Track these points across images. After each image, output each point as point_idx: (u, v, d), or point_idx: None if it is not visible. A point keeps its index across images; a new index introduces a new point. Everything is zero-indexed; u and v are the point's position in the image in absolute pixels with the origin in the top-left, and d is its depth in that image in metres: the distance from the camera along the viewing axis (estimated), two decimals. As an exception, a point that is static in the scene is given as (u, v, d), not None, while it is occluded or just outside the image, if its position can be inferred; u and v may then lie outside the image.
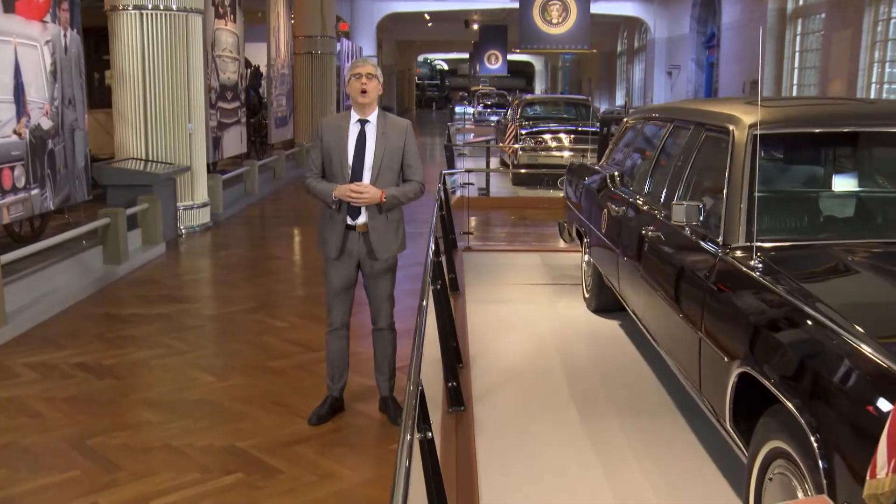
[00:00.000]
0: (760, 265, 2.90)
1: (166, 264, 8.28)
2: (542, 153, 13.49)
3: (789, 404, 2.31)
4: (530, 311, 6.24)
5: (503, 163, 15.56)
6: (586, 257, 6.23)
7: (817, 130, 3.58)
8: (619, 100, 34.02)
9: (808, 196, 3.64)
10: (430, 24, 35.62)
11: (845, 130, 3.59)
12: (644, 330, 4.49)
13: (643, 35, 30.45)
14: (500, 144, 14.34)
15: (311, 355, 5.41)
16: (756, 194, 3.12)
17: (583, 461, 3.73)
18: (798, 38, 17.95)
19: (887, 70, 14.36)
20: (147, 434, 4.23)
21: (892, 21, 14.17)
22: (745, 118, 3.61)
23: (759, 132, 3.03)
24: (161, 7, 9.30)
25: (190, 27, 9.67)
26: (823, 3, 16.29)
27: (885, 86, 14.37)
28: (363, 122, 4.21)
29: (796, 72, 18.04)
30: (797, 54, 18.01)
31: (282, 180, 14.59)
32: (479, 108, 33.40)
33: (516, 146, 13.87)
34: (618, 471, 3.63)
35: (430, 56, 59.53)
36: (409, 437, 2.03)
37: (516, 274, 7.46)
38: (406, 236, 4.38)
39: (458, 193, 10.84)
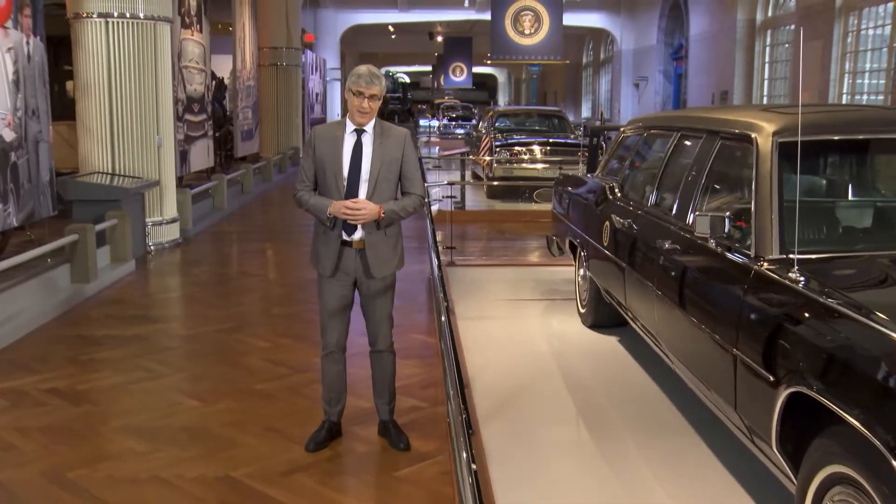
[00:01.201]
0: (803, 278, 2.78)
1: (137, 282, 8.00)
2: (518, 166, 13.40)
3: (859, 425, 2.18)
4: (524, 328, 6.10)
5: (475, 175, 15.44)
6: (582, 271, 6.10)
7: (845, 137, 3.49)
8: (585, 112, 34.24)
9: (841, 206, 3.55)
10: (393, 37, 35.57)
11: (875, 137, 3.50)
12: (655, 346, 4.36)
13: (609, 46, 30.68)
14: (475, 157, 14.21)
15: (300, 377, 5.20)
16: (795, 204, 2.99)
17: (604, 486, 3.58)
18: (768, 48, 18.16)
19: (858, 81, 14.55)
20: (133, 465, 3.99)
21: (863, 32, 14.37)
22: (768, 126, 3.52)
23: (799, 139, 2.92)
24: (128, 15, 9.03)
25: (158, 36, 9.41)
26: (793, 14, 16.50)
27: (857, 97, 14.55)
28: (359, 132, 4.02)
29: (766, 83, 18.24)
30: (767, 65, 18.22)
31: (250, 194, 14.32)
32: (444, 121, 33.36)
33: (488, 158, 13.76)
34: (642, 493, 3.49)
35: (392, 69, 59.42)
36: (464, 472, 1.86)
37: (504, 289, 7.31)
38: (405, 252, 4.21)
39: (437, 207, 10.68)
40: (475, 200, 13.64)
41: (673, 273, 3.84)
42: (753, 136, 3.54)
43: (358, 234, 4.01)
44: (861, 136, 3.54)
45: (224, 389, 4.96)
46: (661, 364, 5.06)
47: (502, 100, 56.60)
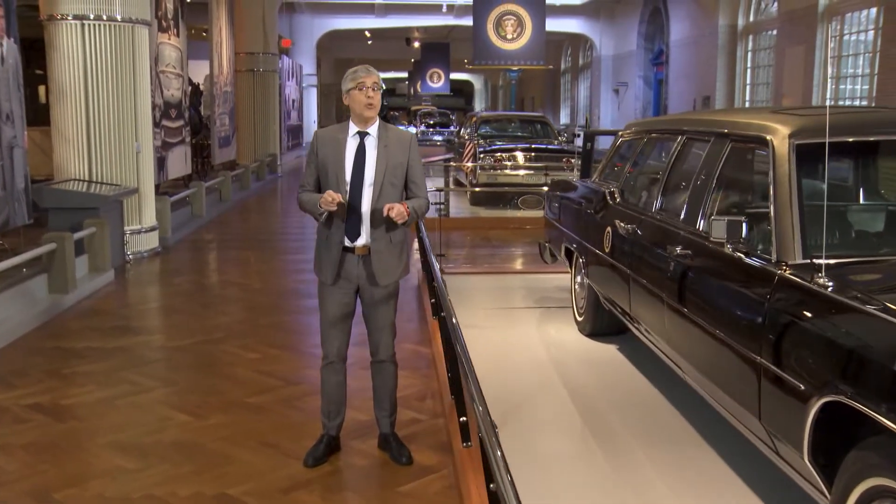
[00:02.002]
0: (832, 283, 2.72)
1: (117, 293, 7.83)
2: (502, 172, 13.33)
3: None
4: (521, 337, 6.01)
5: (458, 182, 15.37)
6: (579, 279, 6.04)
7: (862, 139, 3.44)
8: (564, 118, 34.32)
9: (860, 209, 3.50)
10: (370, 42, 35.46)
11: (891, 139, 3.46)
12: (662, 355, 4.30)
13: (588, 52, 30.80)
14: (460, 164, 14.13)
15: (293, 389, 5.09)
16: (818, 207, 2.94)
17: (617, 499, 3.49)
18: (750, 54, 18.28)
19: (841, 86, 14.66)
20: (124, 483, 3.85)
21: (846, 37, 14.49)
22: (783, 128, 3.46)
23: (827, 140, 2.85)
24: (104, 17, 8.85)
25: (136, 39, 9.25)
26: (775, 20, 16.62)
27: (840, 102, 14.66)
28: (363, 135, 3.94)
29: (748, 88, 18.35)
30: (749, 70, 18.33)
31: (228, 202, 14.15)
32: (422, 128, 33.31)
33: (469, 165, 13.68)
34: (658, 510, 3.41)
35: (368, 75, 59.22)
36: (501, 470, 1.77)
37: (496, 297, 7.23)
38: (409, 260, 4.12)
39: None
40: (458, 207, 13.56)
41: (685, 279, 3.78)
42: (768, 138, 3.48)
43: (361, 241, 3.91)
44: (877, 138, 3.49)
45: (215, 403, 4.83)
46: (663, 372, 5.01)
47: (478, 106, 56.66)
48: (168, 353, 5.83)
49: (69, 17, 8.77)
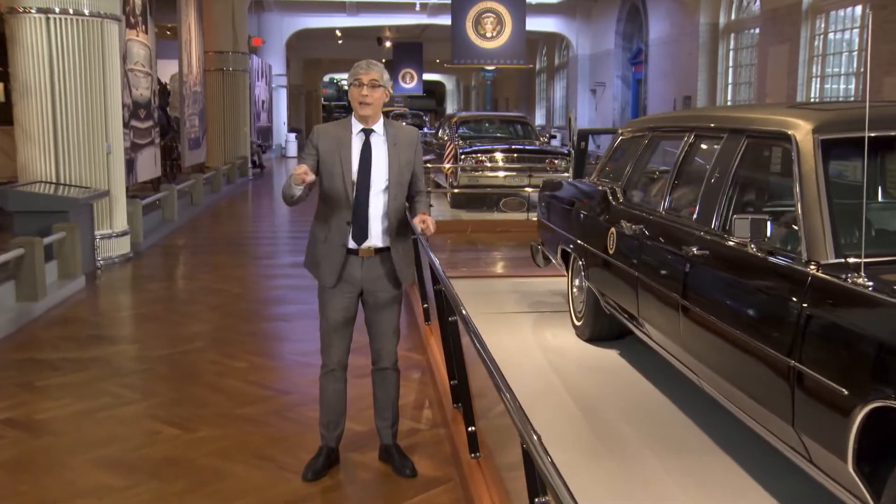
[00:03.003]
0: (872, 283, 2.66)
1: (89, 300, 7.64)
2: (483, 174, 13.26)
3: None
4: (517, 343, 5.93)
5: (437, 184, 15.28)
6: (577, 282, 5.97)
7: (890, 133, 3.39)
8: (539, 119, 34.35)
9: (886, 206, 3.45)
10: (340, 42, 35.28)
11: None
12: (674, 359, 4.23)
13: (564, 52, 30.86)
14: (440, 165, 14.03)
15: (285, 399, 4.96)
16: (849, 204, 2.88)
17: (639, 512, 3.42)
18: (731, 52, 18.38)
19: (826, 86, 14.77)
20: (111, 503, 3.71)
21: (830, 35, 14.60)
22: (805, 123, 3.41)
23: (867, 134, 2.79)
24: (71, 11, 8.64)
25: (105, 35, 9.06)
26: (758, 18, 16.72)
27: (827, 101, 14.76)
28: (367, 132, 3.83)
29: (730, 87, 18.46)
30: (731, 69, 18.43)
31: (199, 206, 13.94)
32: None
33: (448, 166, 13.58)
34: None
35: (337, 76, 59.03)
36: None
37: (488, 302, 7.14)
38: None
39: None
40: (438, 210, 13.46)
41: (702, 281, 3.71)
42: (790, 133, 3.43)
43: (370, 243, 3.80)
44: (904, 133, 3.45)
45: (204, 415, 4.69)
46: (668, 377, 4.95)
47: (451, 107, 56.64)
48: (149, 363, 5.67)
49: (33, 11, 8.55)
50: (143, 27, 12.64)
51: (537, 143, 14.67)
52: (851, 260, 2.87)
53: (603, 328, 5.69)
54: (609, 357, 5.56)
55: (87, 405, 4.89)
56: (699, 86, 18.89)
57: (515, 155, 13.34)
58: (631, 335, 5.69)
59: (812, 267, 2.98)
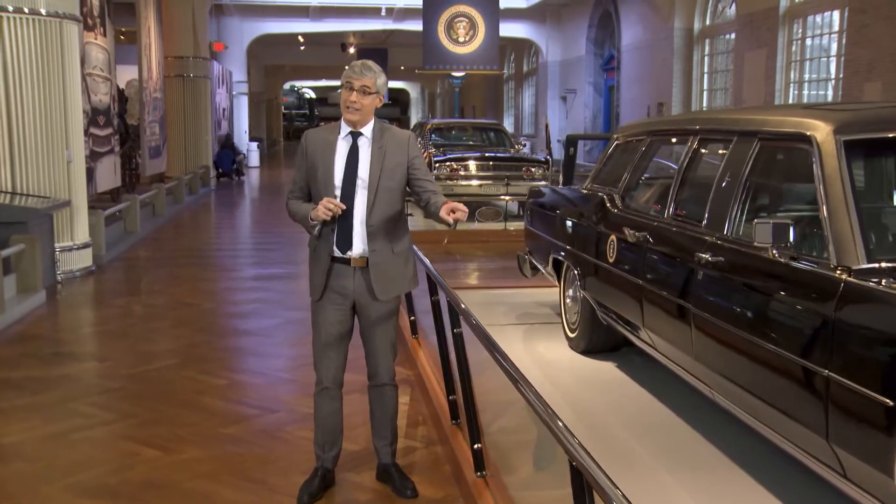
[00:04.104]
0: (912, 288, 2.62)
1: (52, 316, 7.43)
2: (459, 183, 13.18)
3: None
4: (511, 356, 5.83)
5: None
6: (571, 292, 5.90)
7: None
8: (508, 127, 34.42)
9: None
10: (302, 48, 35.11)
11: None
12: (683, 371, 4.17)
13: (533, 58, 30.98)
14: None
15: (271, 418, 4.83)
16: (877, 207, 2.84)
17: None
18: (707, 58, 18.54)
19: (805, 92, 14.94)
20: (93, 531, 3.56)
21: (808, 40, 14.77)
22: (825, 123, 3.38)
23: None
24: (26, 10, 8.42)
25: (65, 36, 8.86)
26: (734, 23, 16.88)
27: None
28: (355, 136, 3.74)
29: (706, 93, 18.61)
30: (706, 75, 18.59)
31: (162, 217, 13.70)
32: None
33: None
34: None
35: (298, 83, 58.76)
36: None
37: (475, 314, 7.03)
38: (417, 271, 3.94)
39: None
40: (412, 222, 13.34)
41: (717, 288, 3.66)
42: (809, 134, 3.39)
43: (357, 251, 3.71)
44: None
45: (186, 435, 4.54)
46: (670, 389, 4.91)
47: (416, 116, 56.62)
48: (121, 381, 5.50)
49: (-15, 10, 8.34)
50: (102, 29, 12.42)
51: (512, 150, 14.64)
52: (885, 264, 2.83)
53: (599, 340, 5.63)
54: (606, 369, 5.50)
55: (58, 427, 4.71)
56: (674, 92, 19.03)
57: (491, 163, 13.29)
58: (627, 347, 5.66)
59: (841, 272, 2.93)
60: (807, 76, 14.89)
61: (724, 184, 3.92)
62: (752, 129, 3.89)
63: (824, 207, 3.15)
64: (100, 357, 6.18)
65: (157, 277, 9.38)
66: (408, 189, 3.82)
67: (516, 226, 12.43)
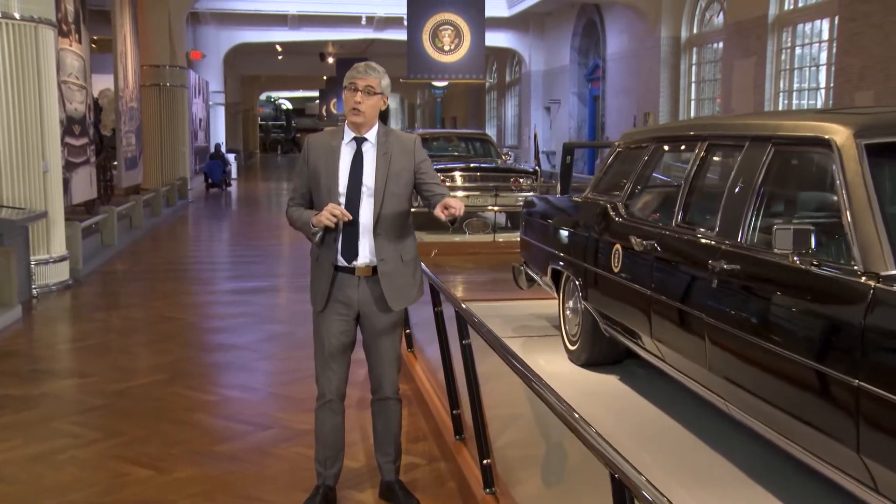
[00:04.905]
0: (946, 293, 2.59)
1: (28, 331, 7.30)
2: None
3: None
4: (507, 372, 5.76)
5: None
6: (571, 303, 5.86)
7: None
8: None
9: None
10: (280, 58, 35.05)
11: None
12: (695, 384, 4.12)
13: (516, 68, 31.05)
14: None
15: (265, 434, 4.75)
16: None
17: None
18: (694, 67, 18.63)
19: (795, 101, 15.03)
20: (85, 555, 3.47)
21: (798, 49, 14.88)
22: (844, 127, 3.35)
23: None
24: (-1, 14, 8.34)
25: (40, 41, 8.76)
26: (721, 31, 16.98)
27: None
28: (360, 141, 3.69)
29: (693, 103, 18.69)
30: (693, 85, 18.68)
31: (139, 230, 13.56)
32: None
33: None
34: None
35: (274, 94, 58.65)
36: None
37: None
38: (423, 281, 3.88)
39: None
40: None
41: (734, 297, 3.62)
42: (828, 137, 3.37)
43: (363, 260, 3.65)
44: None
45: (178, 454, 4.44)
46: (677, 402, 4.87)
47: (395, 126, 56.64)
48: (107, 399, 5.39)
49: (-45, 14, 8.23)
50: (77, 36, 12.31)
51: (499, 161, 14.61)
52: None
53: (601, 352, 5.58)
54: (610, 383, 5.45)
55: (42, 447, 4.60)
56: (661, 101, 19.09)
57: (478, 174, 13.26)
58: (629, 359, 5.62)
59: (868, 278, 2.90)
60: (796, 85, 14.99)
61: (736, 190, 3.89)
62: (765, 134, 3.86)
63: (847, 213, 3.12)
64: (81, 374, 6.06)
65: (137, 291, 9.26)
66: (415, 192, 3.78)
67: (505, 237, 12.42)
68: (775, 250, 3.24)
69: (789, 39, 14.96)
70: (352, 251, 3.66)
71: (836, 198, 3.27)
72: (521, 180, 13.12)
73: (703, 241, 4.03)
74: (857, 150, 3.24)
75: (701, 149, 4.43)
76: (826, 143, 3.38)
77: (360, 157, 3.68)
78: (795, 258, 3.22)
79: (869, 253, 2.97)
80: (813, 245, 3.14)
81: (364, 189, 3.65)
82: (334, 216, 3.50)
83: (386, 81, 3.70)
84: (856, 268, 2.99)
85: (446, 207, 3.45)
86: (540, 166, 14.19)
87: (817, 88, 14.38)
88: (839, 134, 3.35)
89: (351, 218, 3.56)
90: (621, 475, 1.94)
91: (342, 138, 3.72)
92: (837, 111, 3.77)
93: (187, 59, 20.37)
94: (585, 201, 5.72)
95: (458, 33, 16.27)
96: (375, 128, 3.72)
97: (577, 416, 2.31)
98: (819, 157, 3.46)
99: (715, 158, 4.38)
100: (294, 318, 7.62)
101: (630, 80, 20.87)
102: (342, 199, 3.63)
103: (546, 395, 2.53)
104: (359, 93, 3.61)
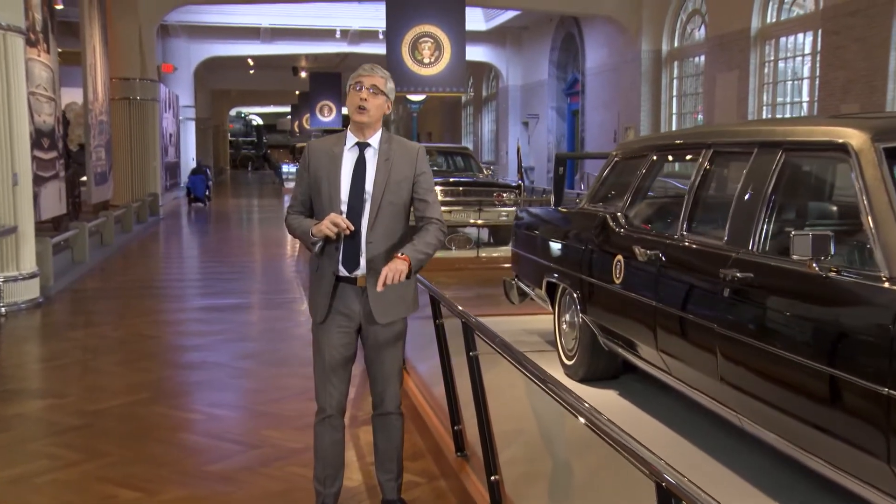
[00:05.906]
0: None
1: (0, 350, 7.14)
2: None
3: None
4: (506, 388, 5.66)
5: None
6: (568, 317, 5.81)
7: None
8: (466, 154, 34.49)
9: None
10: (252, 72, 34.96)
11: None
12: (708, 398, 4.08)
13: (493, 82, 31.17)
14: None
15: (257, 453, 4.64)
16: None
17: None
18: (675, 81, 18.76)
19: (778, 115, 15.15)
20: (73, 581, 3.35)
21: (781, 63, 15.02)
22: (860, 132, 3.34)
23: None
24: (-37, 21, 8.21)
25: (9, 50, 8.64)
26: (703, 45, 17.11)
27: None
28: (362, 147, 3.62)
29: (675, 117, 18.81)
30: (675, 99, 18.80)
31: (111, 246, 13.39)
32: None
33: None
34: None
35: (245, 109, 58.42)
36: None
37: (459, 344, 6.90)
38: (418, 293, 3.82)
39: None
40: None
41: (749, 307, 3.59)
42: (842, 142, 3.36)
43: (363, 270, 3.58)
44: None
45: (167, 475, 4.33)
46: (680, 417, 4.84)
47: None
48: (87, 419, 5.26)
49: (-82, 20, 8.10)
50: (45, 46, 12.14)
51: (480, 175, 14.59)
52: (944, 275, 2.78)
53: (599, 367, 5.53)
54: (609, 398, 5.39)
55: (21, 469, 4.47)
56: (642, 116, 19.20)
57: (461, 189, 13.20)
58: (627, 374, 5.57)
59: (893, 283, 2.87)
60: (780, 99, 15.12)
61: (746, 197, 3.87)
62: (775, 140, 3.84)
63: (868, 217, 3.10)
64: (57, 393, 5.91)
65: (111, 309, 9.11)
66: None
67: (488, 253, 12.38)
68: (794, 257, 3.21)
69: (772, 53, 15.11)
70: (354, 261, 3.59)
71: (852, 203, 3.25)
72: (505, 195, 13.10)
73: (711, 249, 4.00)
74: (875, 154, 3.23)
75: (705, 157, 4.41)
76: (843, 148, 3.36)
77: (363, 163, 3.61)
78: (814, 265, 3.19)
79: (894, 258, 2.94)
80: (833, 251, 3.11)
81: (366, 197, 3.59)
82: (336, 226, 3.43)
83: (391, 85, 3.65)
84: (879, 273, 2.96)
85: (388, 271, 3.37)
86: (524, 181, 14.18)
87: (801, 102, 14.51)
88: (856, 138, 3.33)
89: (353, 229, 3.48)
90: (668, 483, 1.87)
91: (344, 144, 3.65)
92: (848, 116, 3.76)
93: (158, 73, 20.22)
94: (582, 212, 5.69)
95: (437, 45, 16.27)
96: (378, 133, 3.66)
97: (616, 427, 2.23)
98: (834, 162, 3.45)
99: (721, 166, 4.37)
100: (272, 335, 7.54)
101: (610, 94, 20.99)
102: (343, 208, 3.56)
103: (577, 405, 2.46)
104: (364, 90, 3.55)
